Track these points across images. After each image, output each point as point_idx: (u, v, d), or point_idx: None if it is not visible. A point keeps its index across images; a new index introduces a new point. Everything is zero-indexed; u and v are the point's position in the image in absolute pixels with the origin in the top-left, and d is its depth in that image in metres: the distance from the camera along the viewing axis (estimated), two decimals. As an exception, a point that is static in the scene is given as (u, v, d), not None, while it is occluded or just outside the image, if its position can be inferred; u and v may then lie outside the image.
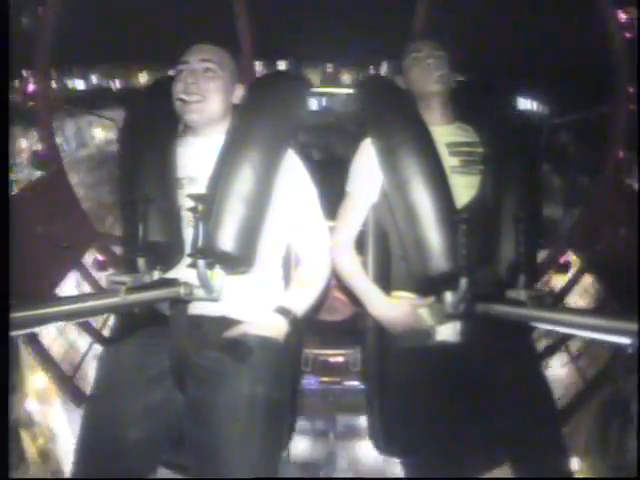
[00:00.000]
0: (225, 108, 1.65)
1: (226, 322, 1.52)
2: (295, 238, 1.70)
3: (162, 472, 1.56)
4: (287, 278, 1.74)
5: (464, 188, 1.67)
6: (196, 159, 1.61)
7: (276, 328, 1.55)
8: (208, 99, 1.60)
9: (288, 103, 1.71)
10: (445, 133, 1.75)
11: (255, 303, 1.57)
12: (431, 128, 1.70)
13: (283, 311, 1.57)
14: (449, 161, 1.69)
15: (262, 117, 1.62)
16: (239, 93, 1.68)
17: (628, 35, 2.24)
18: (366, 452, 2.14)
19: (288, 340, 1.58)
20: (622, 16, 2.25)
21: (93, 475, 1.37)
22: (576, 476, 1.78)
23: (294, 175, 1.67)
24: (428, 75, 1.74)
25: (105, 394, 1.48)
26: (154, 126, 1.66)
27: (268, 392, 1.45)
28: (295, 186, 1.66)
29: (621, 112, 2.29)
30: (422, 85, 1.76)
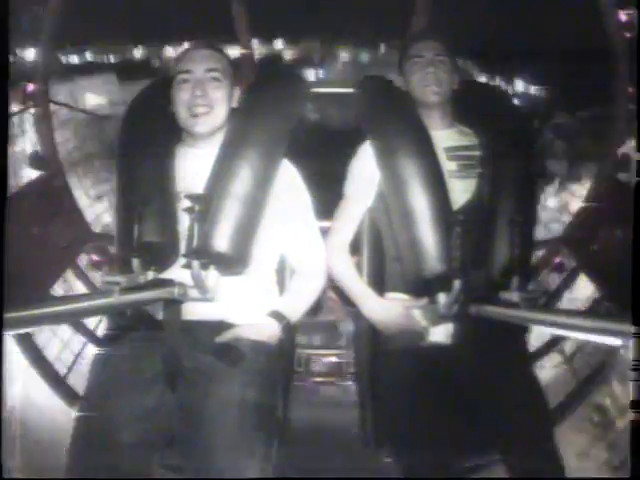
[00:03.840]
0: (228, 114, 1.65)
1: (219, 326, 1.51)
2: (290, 249, 1.70)
3: (161, 472, 1.56)
4: (281, 284, 1.73)
5: (462, 192, 1.67)
6: (194, 169, 1.60)
7: (269, 332, 1.55)
8: (215, 109, 1.59)
9: (285, 104, 1.71)
10: (444, 137, 1.75)
11: (248, 307, 1.56)
12: (430, 132, 1.70)
13: (277, 316, 1.57)
14: (447, 165, 1.69)
15: (259, 118, 1.62)
16: (237, 95, 1.68)
17: (628, 35, 2.24)
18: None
19: (281, 344, 1.58)
20: (622, 16, 2.25)
21: (88, 472, 1.37)
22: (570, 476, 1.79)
23: (289, 183, 1.66)
24: (428, 85, 1.73)
25: (98, 397, 1.47)
26: (152, 130, 1.65)
27: (259, 396, 1.45)
28: (290, 195, 1.65)
29: (621, 112, 2.29)
30: (421, 94, 1.75)
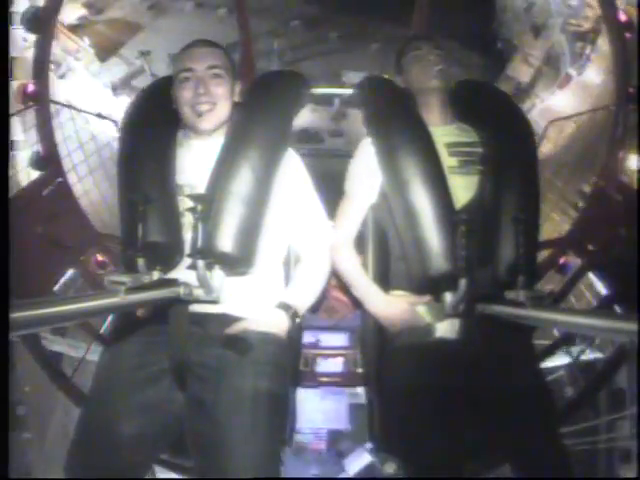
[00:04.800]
0: (231, 109, 1.66)
1: (227, 319, 1.52)
2: (296, 236, 1.70)
3: (162, 472, 1.56)
4: (287, 277, 1.74)
5: (463, 189, 1.67)
6: (197, 164, 1.61)
7: (277, 324, 1.55)
8: (218, 105, 1.61)
9: (286, 102, 1.71)
10: (444, 133, 1.75)
11: (256, 301, 1.57)
12: (430, 128, 1.70)
13: (284, 307, 1.58)
14: (448, 161, 1.69)
15: (260, 117, 1.63)
16: (238, 90, 1.68)
17: (628, 35, 2.24)
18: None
19: (289, 335, 1.58)
20: (622, 16, 2.25)
21: (88, 468, 1.38)
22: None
23: (294, 174, 1.67)
24: (428, 70, 1.76)
25: (103, 390, 1.49)
26: (154, 129, 1.66)
27: (270, 386, 1.45)
28: (295, 185, 1.66)
29: (621, 112, 2.29)
30: (422, 81, 1.77)
